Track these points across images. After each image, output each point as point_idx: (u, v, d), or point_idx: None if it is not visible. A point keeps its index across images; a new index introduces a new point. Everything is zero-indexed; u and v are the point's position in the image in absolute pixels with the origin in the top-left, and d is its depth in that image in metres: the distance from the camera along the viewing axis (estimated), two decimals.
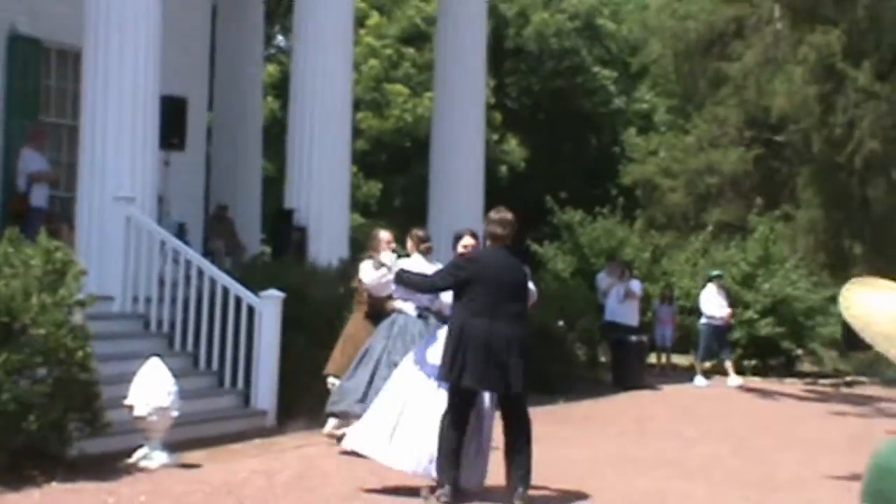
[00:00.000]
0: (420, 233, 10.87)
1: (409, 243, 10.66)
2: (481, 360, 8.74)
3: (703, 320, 20.62)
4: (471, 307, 8.89)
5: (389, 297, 10.56)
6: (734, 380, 20.15)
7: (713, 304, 20.52)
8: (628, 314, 19.97)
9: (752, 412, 17.11)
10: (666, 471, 10.03)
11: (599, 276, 21.00)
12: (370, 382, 10.51)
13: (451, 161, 18.21)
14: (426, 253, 10.56)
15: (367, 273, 10.93)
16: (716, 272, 21.56)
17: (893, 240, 24.23)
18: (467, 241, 9.45)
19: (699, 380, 20.09)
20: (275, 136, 23.50)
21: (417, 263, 10.31)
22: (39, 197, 14.40)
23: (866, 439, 14.38)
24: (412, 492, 8.93)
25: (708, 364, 23.03)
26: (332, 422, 11.25)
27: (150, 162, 12.97)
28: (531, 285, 9.26)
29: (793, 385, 20.14)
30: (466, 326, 8.85)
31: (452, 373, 8.90)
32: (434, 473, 8.74)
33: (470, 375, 8.79)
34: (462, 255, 9.34)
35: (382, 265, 10.24)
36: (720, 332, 20.53)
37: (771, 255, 23.42)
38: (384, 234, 11.13)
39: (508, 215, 9.24)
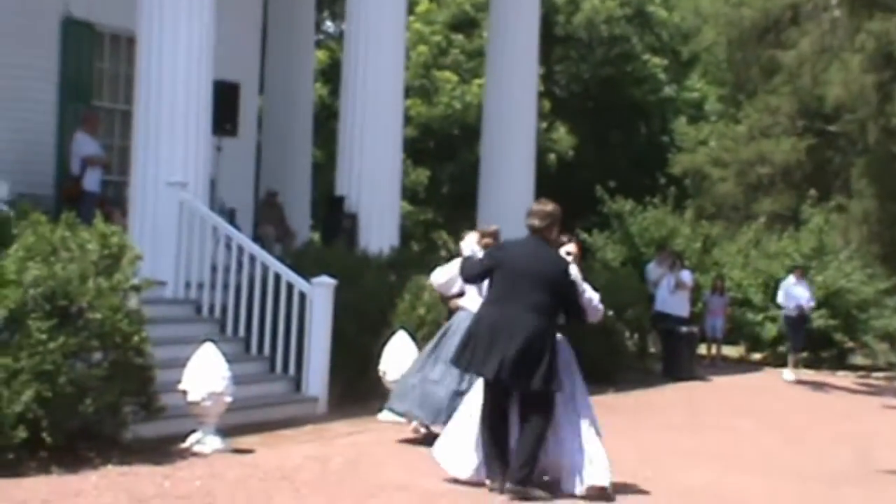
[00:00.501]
0: (485, 229, 11.03)
1: (473, 238, 10.83)
2: (484, 347, 8.71)
3: (783, 312, 20.44)
4: (489, 295, 9.00)
5: (455, 296, 10.83)
6: (789, 374, 19.83)
7: (791, 295, 20.27)
8: (679, 305, 19.79)
9: (804, 405, 16.93)
10: (720, 463, 9.92)
11: (650, 266, 20.84)
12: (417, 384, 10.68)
13: (502, 148, 18.10)
14: (485, 249, 10.54)
15: (435, 273, 11.40)
16: (797, 263, 21.49)
17: None
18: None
19: (787, 373, 19.82)
20: (323, 121, 23.52)
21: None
22: (92, 181, 14.45)
23: None
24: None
25: (758, 355, 22.89)
26: (388, 414, 11.19)
27: (204, 147, 12.96)
28: (592, 294, 9.02)
29: (845, 378, 19.92)
30: (480, 312, 8.95)
31: (461, 361, 8.89)
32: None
33: (474, 361, 8.79)
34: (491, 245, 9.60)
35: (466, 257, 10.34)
36: (796, 324, 20.22)
37: (824, 246, 23.14)
38: (472, 234, 11.26)
39: (548, 207, 9.06)
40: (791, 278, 20.58)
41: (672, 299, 19.74)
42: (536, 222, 8.95)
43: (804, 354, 21.92)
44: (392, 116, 15.69)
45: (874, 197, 25.35)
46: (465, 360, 8.81)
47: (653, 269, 20.61)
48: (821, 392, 18.62)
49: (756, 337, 22.72)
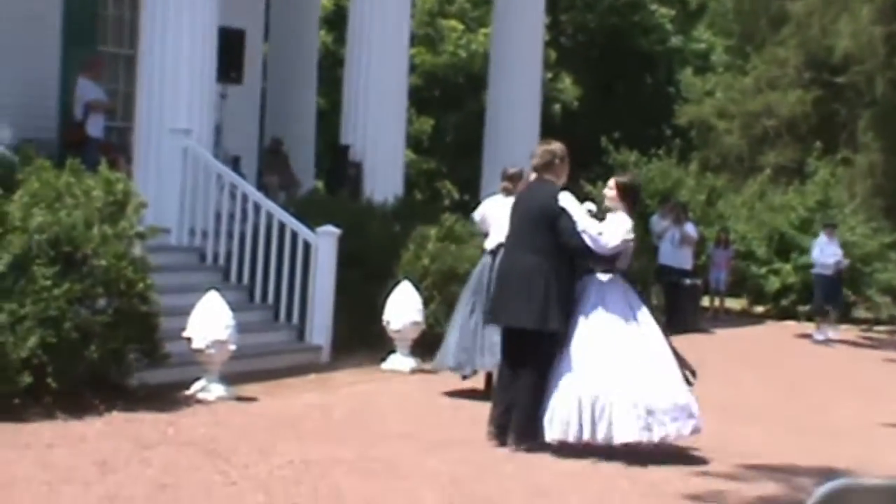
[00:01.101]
0: (506, 170, 11.21)
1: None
2: (495, 295, 8.75)
3: (814, 270, 19.81)
4: (505, 242, 9.12)
5: None
6: (825, 332, 19.09)
7: (824, 253, 19.58)
8: (682, 258, 19.78)
9: (807, 358, 16.96)
10: (722, 414, 9.92)
11: (654, 218, 20.79)
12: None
13: (508, 97, 18.03)
14: (503, 192, 10.85)
15: (475, 212, 11.60)
16: (830, 221, 20.84)
17: None
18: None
19: (816, 334, 19.14)
20: (327, 69, 23.39)
21: (497, 202, 10.77)
22: (95, 126, 14.40)
23: None
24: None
25: (761, 308, 22.89)
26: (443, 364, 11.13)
27: (208, 94, 12.91)
28: (589, 227, 8.52)
29: (848, 331, 19.93)
30: (498, 261, 9.11)
31: (485, 314, 8.94)
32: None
33: (491, 311, 8.75)
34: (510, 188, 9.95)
35: None
36: (829, 284, 19.59)
37: (829, 199, 23.08)
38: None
39: (548, 145, 9.02)
40: (823, 236, 19.95)
41: (676, 252, 19.72)
42: (536, 161, 8.91)
43: (809, 307, 21.95)
44: (397, 65, 15.62)
45: (880, 150, 25.28)
46: (486, 311, 8.90)
47: (657, 222, 20.57)
48: (823, 345, 18.64)
49: (759, 290, 22.72)
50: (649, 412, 8.18)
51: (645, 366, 8.30)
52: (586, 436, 8.23)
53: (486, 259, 10.74)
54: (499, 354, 9.36)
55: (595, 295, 8.52)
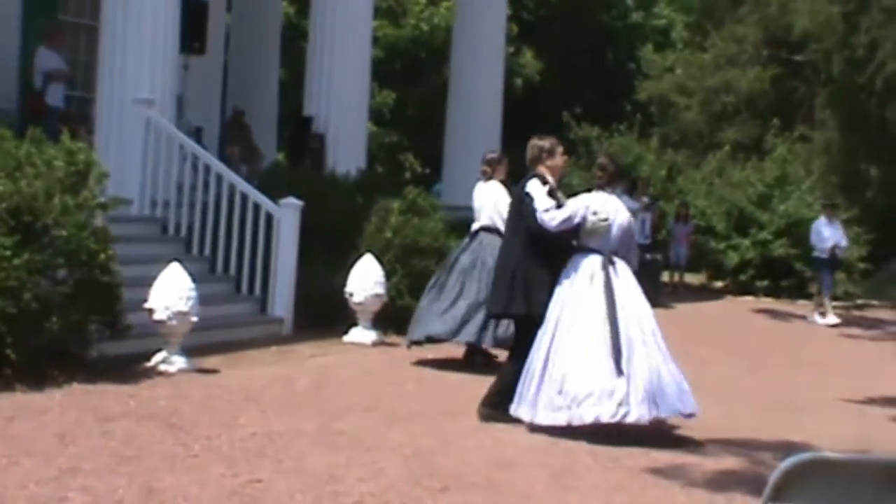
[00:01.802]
0: (485, 155, 11.66)
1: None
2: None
3: (814, 254, 19.48)
4: None
5: None
6: (826, 317, 18.85)
7: (822, 236, 19.26)
8: (640, 232, 19.87)
9: (764, 333, 17.13)
10: None
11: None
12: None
13: (471, 70, 18.03)
14: (483, 176, 11.36)
15: None
16: (829, 202, 20.36)
17: None
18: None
19: (830, 318, 18.82)
20: (290, 41, 23.27)
21: (478, 187, 11.35)
22: (55, 96, 14.26)
23: (878, 362, 14.46)
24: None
25: (720, 283, 23.03)
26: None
27: (171, 65, 12.82)
28: (540, 205, 8.61)
29: (804, 307, 20.12)
30: None
31: None
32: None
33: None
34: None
35: None
36: (828, 266, 19.35)
37: (787, 175, 23.27)
38: None
39: (536, 140, 9.10)
40: (822, 218, 19.59)
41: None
42: (527, 155, 9.07)
43: (766, 283, 22.13)
44: (361, 37, 15.57)
45: (836, 128, 25.51)
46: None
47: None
48: (781, 320, 18.83)
49: (718, 265, 22.90)
50: (564, 393, 8.19)
51: (590, 349, 8.25)
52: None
53: (465, 239, 11.45)
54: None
55: (568, 276, 8.53)
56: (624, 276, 8.55)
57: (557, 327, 8.38)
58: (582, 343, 8.25)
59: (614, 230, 8.58)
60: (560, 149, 9.10)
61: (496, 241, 11.02)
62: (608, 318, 8.27)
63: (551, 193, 8.74)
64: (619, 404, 8.11)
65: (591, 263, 8.49)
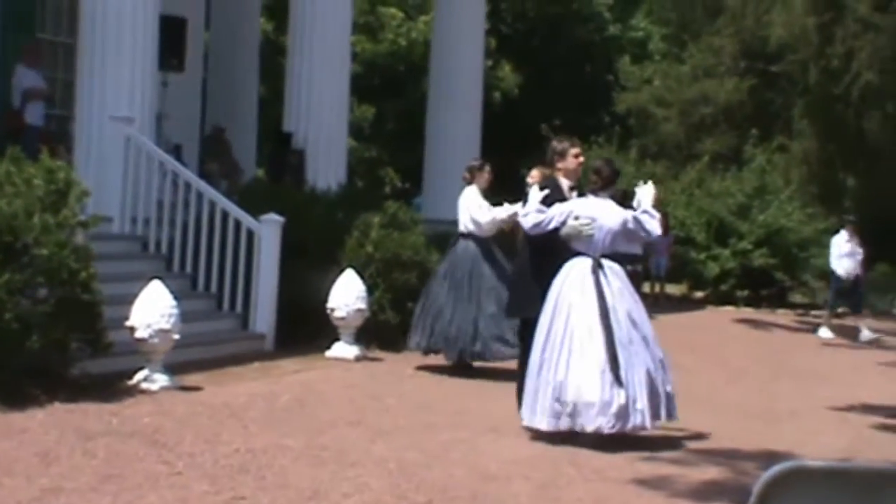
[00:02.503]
0: (469, 162, 12.03)
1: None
2: None
3: (834, 272, 18.50)
4: None
5: None
6: (865, 335, 18.18)
7: (844, 254, 18.29)
8: None
9: (746, 342, 17.18)
10: None
11: None
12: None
13: (449, 84, 18.08)
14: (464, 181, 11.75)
15: None
16: (850, 217, 19.29)
17: (886, 172, 24.23)
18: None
19: (824, 331, 18.32)
20: (268, 57, 23.27)
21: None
22: (34, 114, 14.24)
23: (859, 370, 14.51)
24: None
25: (700, 293, 23.12)
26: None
27: (150, 82, 12.81)
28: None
29: (785, 316, 20.21)
30: None
31: None
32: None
33: None
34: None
35: None
36: (846, 285, 18.41)
37: (766, 186, 23.39)
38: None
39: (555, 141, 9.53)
40: (843, 233, 18.62)
41: None
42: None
43: (747, 293, 22.20)
44: (340, 53, 15.61)
45: (814, 137, 25.59)
46: None
47: None
48: (762, 330, 18.89)
49: (699, 275, 22.99)
50: (563, 402, 8.26)
51: (586, 358, 8.29)
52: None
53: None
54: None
55: (558, 280, 8.57)
56: (615, 279, 8.59)
57: (550, 332, 8.41)
58: (579, 351, 8.29)
59: (601, 234, 8.60)
60: (574, 150, 9.20)
61: (472, 247, 11.16)
62: (602, 325, 8.31)
63: (558, 195, 8.82)
64: (618, 415, 8.19)
65: (580, 267, 8.54)
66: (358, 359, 12.07)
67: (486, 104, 20.71)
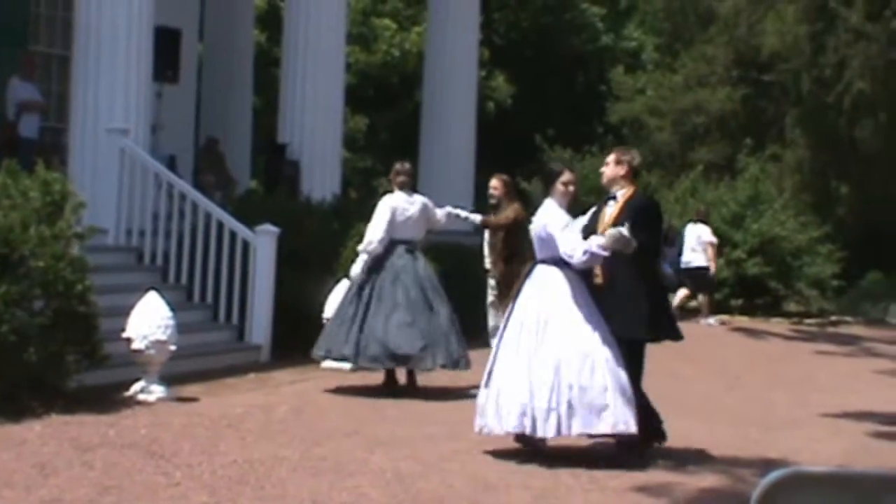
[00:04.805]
0: (397, 166, 11.36)
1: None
2: None
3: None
4: None
5: None
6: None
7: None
8: None
9: (741, 351, 17.20)
10: (663, 408, 10.03)
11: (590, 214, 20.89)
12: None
13: (444, 94, 18.11)
14: (400, 187, 11.15)
15: None
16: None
17: (879, 181, 24.32)
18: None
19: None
20: (262, 68, 23.31)
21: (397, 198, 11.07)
22: (29, 127, 14.26)
23: (854, 378, 14.53)
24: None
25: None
26: None
27: (145, 94, 12.84)
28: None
29: (779, 324, 20.23)
30: None
31: None
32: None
33: None
34: None
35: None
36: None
37: (759, 194, 23.42)
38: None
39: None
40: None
41: None
42: None
43: (741, 301, 22.19)
44: (334, 64, 15.64)
45: (807, 146, 25.70)
46: None
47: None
48: (757, 338, 18.91)
49: None
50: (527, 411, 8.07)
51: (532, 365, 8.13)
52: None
53: None
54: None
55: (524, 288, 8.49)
56: (553, 286, 8.27)
57: (504, 338, 8.35)
58: (525, 357, 8.12)
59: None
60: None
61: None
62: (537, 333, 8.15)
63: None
64: (559, 422, 7.98)
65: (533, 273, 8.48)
66: (354, 369, 12.06)
67: (480, 115, 20.74)
